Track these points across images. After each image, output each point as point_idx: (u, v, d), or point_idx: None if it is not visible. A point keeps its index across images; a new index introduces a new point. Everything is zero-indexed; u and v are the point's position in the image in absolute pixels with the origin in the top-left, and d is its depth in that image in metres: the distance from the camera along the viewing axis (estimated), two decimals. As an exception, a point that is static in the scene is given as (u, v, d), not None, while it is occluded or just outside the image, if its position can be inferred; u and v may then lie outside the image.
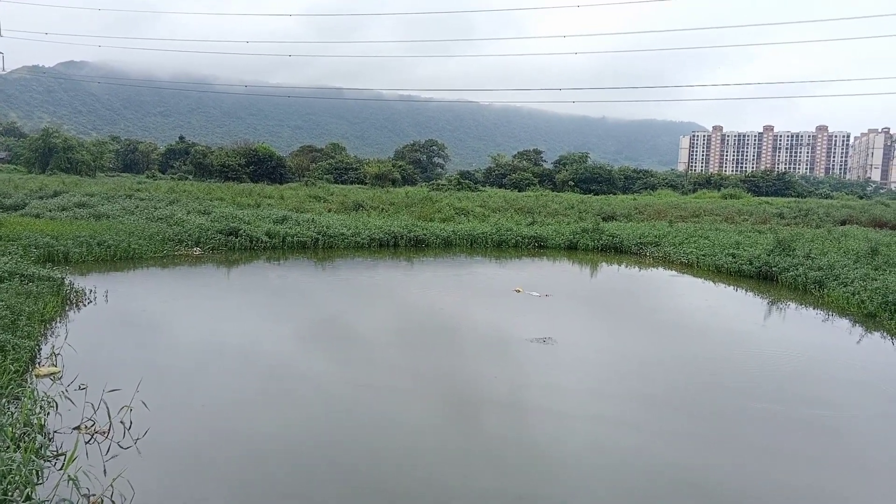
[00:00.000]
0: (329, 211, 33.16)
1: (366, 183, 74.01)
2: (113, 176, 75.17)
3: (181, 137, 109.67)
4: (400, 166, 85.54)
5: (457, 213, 33.42)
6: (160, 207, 28.12)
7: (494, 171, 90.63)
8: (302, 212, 30.73)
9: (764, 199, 64.41)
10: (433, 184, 71.86)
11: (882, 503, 6.16)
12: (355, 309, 14.49)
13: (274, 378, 9.10)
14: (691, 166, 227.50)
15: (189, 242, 21.57)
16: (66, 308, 12.41)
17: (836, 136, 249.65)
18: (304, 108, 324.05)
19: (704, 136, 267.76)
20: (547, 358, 10.42)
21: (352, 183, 75.32)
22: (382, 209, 34.45)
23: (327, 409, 8.10)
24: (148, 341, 10.75)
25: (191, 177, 75.22)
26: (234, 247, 22.11)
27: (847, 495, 6.28)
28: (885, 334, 12.66)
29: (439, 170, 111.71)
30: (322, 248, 23.55)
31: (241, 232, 22.84)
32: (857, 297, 14.79)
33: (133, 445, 6.56)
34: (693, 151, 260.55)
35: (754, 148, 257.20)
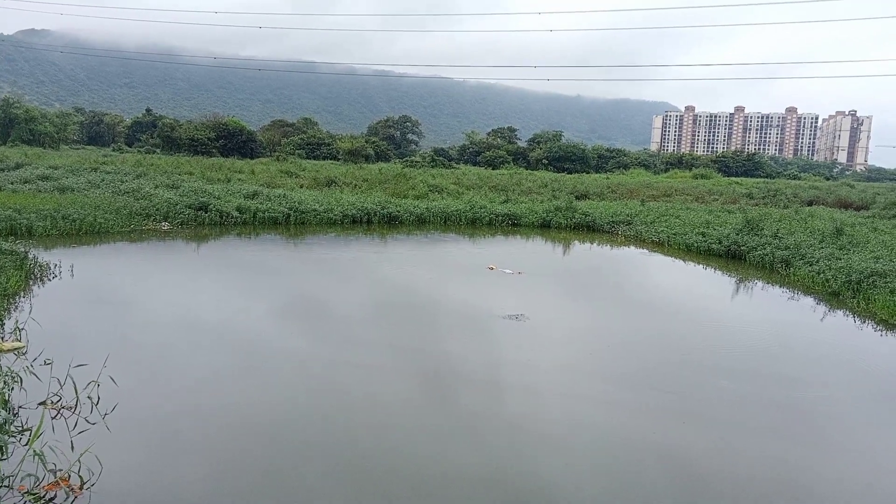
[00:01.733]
0: (301, 187, 32.74)
1: (339, 159, 73.18)
2: (77, 148, 73.19)
3: (148, 110, 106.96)
4: (373, 142, 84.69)
5: (431, 190, 33.29)
6: (127, 181, 27.50)
7: (469, 149, 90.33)
8: (273, 187, 30.31)
9: (734, 179, 65.30)
10: (407, 160, 71.34)
11: (846, 474, 6.36)
12: (329, 285, 14.40)
13: (248, 354, 9.02)
14: (664, 146, 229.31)
15: (157, 217, 21.17)
16: (31, 283, 12.12)
17: (804, 118, 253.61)
18: (276, 81, 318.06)
19: (677, 116, 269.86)
20: (520, 334, 10.49)
21: (324, 158, 74.41)
22: (355, 185, 34.14)
23: (303, 386, 8.06)
24: (116, 317, 10.56)
25: (158, 150, 73.53)
26: (203, 222, 21.76)
27: (813, 468, 6.47)
28: (847, 312, 12.99)
29: (413, 146, 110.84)
30: (294, 224, 23.30)
31: (210, 207, 22.48)
32: (822, 276, 15.14)
33: (101, 421, 6.45)
34: (665, 131, 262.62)
35: (725, 129, 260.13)
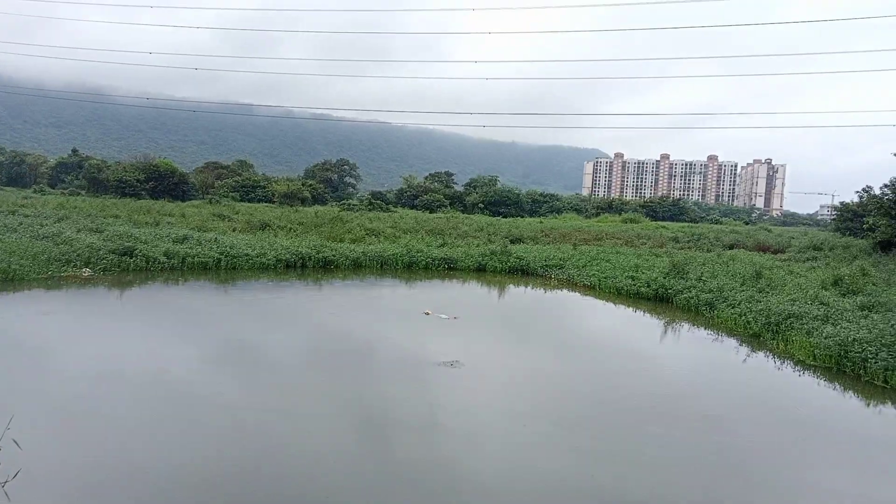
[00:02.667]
0: (234, 230, 32.03)
1: (274, 201, 72.26)
2: (-6, 190, 69.60)
3: (74, 150, 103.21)
4: (310, 185, 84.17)
5: (367, 234, 33.17)
6: (47, 225, 26.24)
7: (406, 192, 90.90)
8: (205, 231, 29.54)
9: (661, 223, 67.98)
10: (344, 203, 71.14)
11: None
12: (260, 332, 13.99)
13: (174, 406, 8.60)
14: (595, 191, 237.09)
15: (78, 263, 20.19)
16: (-69, 335, 11.26)
17: (725, 166, 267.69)
18: (211, 123, 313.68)
19: (607, 162, 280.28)
20: (455, 381, 10.42)
21: (259, 201, 73.30)
22: (290, 229, 33.67)
23: (235, 437, 7.74)
24: (24, 372, 9.90)
25: (84, 192, 70.84)
26: (128, 268, 20.90)
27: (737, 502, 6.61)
28: (767, 353, 13.53)
29: (351, 189, 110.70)
30: (225, 269, 22.67)
31: (136, 252, 21.65)
32: (743, 318, 15.77)
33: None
34: (596, 177, 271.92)
35: (652, 175, 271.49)
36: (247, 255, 23.74)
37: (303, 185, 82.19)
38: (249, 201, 72.62)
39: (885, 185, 30.58)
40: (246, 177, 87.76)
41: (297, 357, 11.98)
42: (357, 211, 58.05)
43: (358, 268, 25.37)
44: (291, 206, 65.16)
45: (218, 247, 24.13)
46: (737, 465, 7.66)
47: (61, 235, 23.29)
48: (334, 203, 76.79)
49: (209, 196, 69.49)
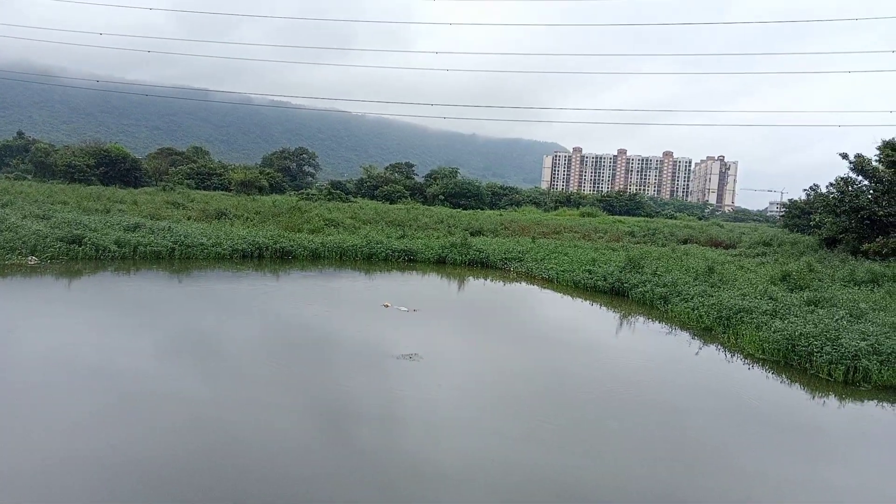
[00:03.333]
0: (188, 219, 31.27)
1: (230, 190, 70.80)
2: (-68, 172, 66.47)
3: (20, 133, 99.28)
4: (268, 174, 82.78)
5: (327, 225, 32.81)
6: (-11, 210, 25.16)
7: (366, 183, 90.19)
8: (158, 219, 28.77)
9: (617, 217, 69.05)
10: (303, 193, 70.15)
11: (726, 493, 6.72)
12: (216, 324, 13.70)
13: (127, 400, 8.36)
14: (553, 184, 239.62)
15: (23, 251, 19.43)
16: None
17: (679, 162, 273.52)
18: (165, 108, 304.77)
19: (566, 156, 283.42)
20: (414, 374, 10.39)
21: (215, 189, 71.74)
22: (247, 218, 33.06)
23: (191, 430, 7.58)
24: (-35, 364, 9.48)
25: (30, 177, 68.18)
26: (77, 256, 20.22)
27: (695, 488, 6.77)
28: (719, 346, 13.90)
29: (310, 178, 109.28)
30: (179, 258, 22.13)
31: (85, 240, 20.95)
32: (696, 312, 16.15)
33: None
34: (555, 171, 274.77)
35: (609, 169, 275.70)
36: (202, 244, 23.21)
37: (260, 173, 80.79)
38: (205, 189, 71.03)
39: (831, 184, 31.65)
40: (201, 164, 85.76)
41: (254, 349, 11.78)
42: (316, 201, 57.34)
43: (316, 259, 25.08)
44: (248, 194, 63.98)
45: (171, 236, 23.53)
46: (690, 454, 7.87)
47: (5, 222, 22.35)
48: (293, 192, 75.64)
49: (163, 183, 67.59)
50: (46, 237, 20.57)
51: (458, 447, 7.67)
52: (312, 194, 66.57)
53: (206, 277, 19.54)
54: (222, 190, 71.18)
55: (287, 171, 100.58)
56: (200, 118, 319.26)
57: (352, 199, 70.46)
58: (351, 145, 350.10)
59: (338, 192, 71.23)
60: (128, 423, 7.61)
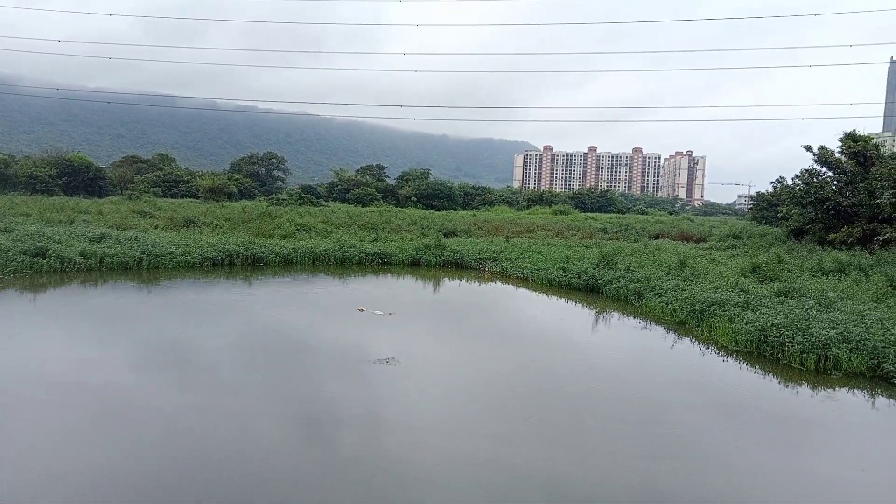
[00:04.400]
0: (156, 227, 30.71)
1: (199, 197, 69.79)
2: None
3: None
4: (236, 179, 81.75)
5: (298, 230, 32.47)
6: (-53, 224, 24.38)
7: (338, 186, 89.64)
8: (124, 229, 28.21)
9: (590, 214, 69.64)
10: (273, 198, 69.44)
11: (710, 484, 6.72)
12: (189, 333, 13.41)
13: (102, 413, 8.15)
14: (525, 183, 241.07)
15: (-16, 265, 18.85)
16: None
17: (649, 158, 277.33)
18: (129, 115, 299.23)
19: (536, 155, 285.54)
20: (391, 378, 10.27)
21: (183, 197, 70.68)
22: (217, 225, 32.60)
23: (170, 439, 7.43)
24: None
25: (-11, 189, 66.36)
26: (41, 269, 19.68)
27: (680, 480, 6.78)
28: (693, 340, 14.02)
29: (279, 183, 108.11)
30: (147, 268, 21.67)
31: (49, 252, 20.41)
32: (669, 306, 16.30)
33: None
34: (527, 169, 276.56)
35: (580, 167, 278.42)
36: (170, 253, 22.77)
37: (229, 179, 79.76)
38: (172, 197, 69.92)
39: (797, 176, 32.27)
40: (168, 171, 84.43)
41: (229, 358, 11.55)
42: (287, 205, 56.78)
43: (289, 264, 24.79)
44: (217, 201, 63.13)
45: (139, 245, 23.05)
46: (671, 447, 7.89)
47: (-36, 236, 21.70)
48: (262, 197, 74.78)
49: (128, 192, 66.27)
50: (9, 251, 19.99)
51: (441, 449, 7.59)
52: (283, 199, 65.98)
53: (177, 287, 19.16)
54: (190, 197, 70.15)
55: (256, 177, 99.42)
56: (166, 125, 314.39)
57: (323, 203, 70.00)
58: (321, 149, 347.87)
59: (309, 196, 70.69)
60: (103, 438, 7.39)
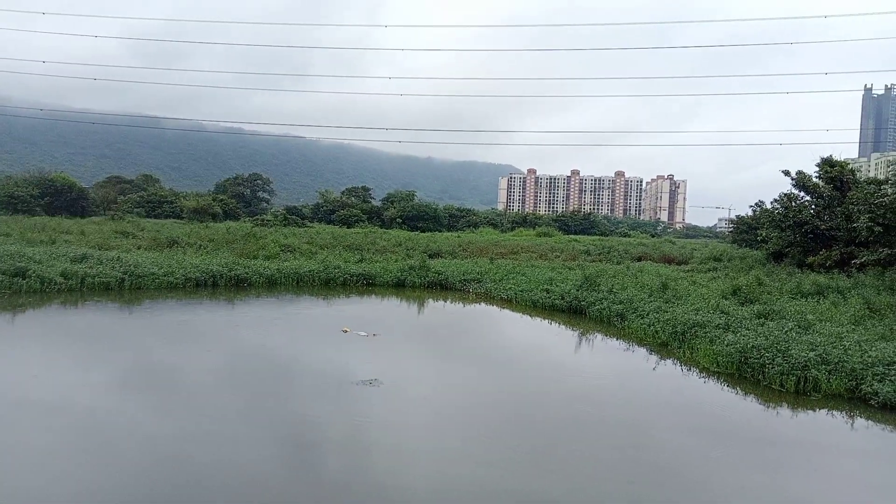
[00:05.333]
0: (139, 248, 30.49)
1: (183, 218, 69.32)
2: None
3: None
4: (221, 200, 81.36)
5: (282, 250, 32.38)
6: (-75, 244, 24.04)
7: (323, 207, 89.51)
8: (106, 249, 27.96)
9: (573, 237, 70.07)
10: (258, 219, 69.17)
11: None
12: (172, 355, 13.29)
13: (83, 437, 8.06)
14: (510, 205, 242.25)
15: (-38, 285, 18.59)
16: None
17: (631, 181, 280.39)
18: (113, 136, 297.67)
19: (521, 178, 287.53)
20: (375, 400, 10.25)
21: (166, 217, 70.16)
22: (200, 246, 32.40)
23: (153, 462, 7.34)
24: None
25: (-31, 209, 65.52)
26: (20, 290, 19.45)
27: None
28: (675, 361, 14.14)
29: (264, 204, 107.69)
30: (129, 289, 21.48)
31: (29, 272, 20.19)
32: (651, 328, 16.42)
33: None
34: (511, 192, 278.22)
35: (564, 190, 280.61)
36: (153, 273, 22.60)
37: (213, 200, 79.37)
38: (156, 217, 69.43)
39: (775, 200, 32.80)
40: (152, 192, 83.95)
41: (212, 379, 11.46)
42: (271, 226, 56.59)
43: (273, 285, 24.68)
44: (202, 221, 62.75)
45: (121, 266, 22.86)
46: (651, 468, 7.93)
47: (-58, 256, 21.41)
48: (247, 218, 74.43)
49: (111, 212, 65.65)
50: (-13, 271, 19.73)
51: (424, 473, 7.57)
52: (268, 220, 65.73)
53: (159, 308, 19.01)
54: (174, 218, 69.68)
55: (241, 198, 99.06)
56: (151, 146, 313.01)
57: (308, 224, 69.79)
58: (306, 171, 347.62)
59: (294, 217, 70.49)
60: (83, 463, 7.30)
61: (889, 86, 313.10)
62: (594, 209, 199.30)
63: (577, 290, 21.65)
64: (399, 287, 26.40)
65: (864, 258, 25.10)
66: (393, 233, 57.84)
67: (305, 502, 6.58)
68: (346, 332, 15.74)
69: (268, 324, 17.50)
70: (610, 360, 14.89)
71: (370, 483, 7.17)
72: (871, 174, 69.83)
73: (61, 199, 69.32)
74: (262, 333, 15.93)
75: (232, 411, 9.52)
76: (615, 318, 18.57)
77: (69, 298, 19.37)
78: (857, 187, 28.88)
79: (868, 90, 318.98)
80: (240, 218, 76.54)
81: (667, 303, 18.78)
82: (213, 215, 71.13)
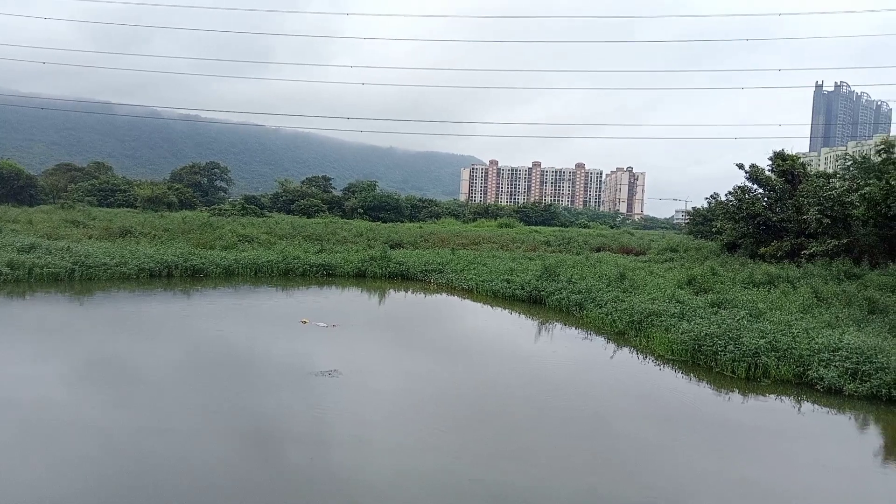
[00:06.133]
0: (90, 238, 29.59)
1: (137, 207, 67.57)
2: None
3: None
4: (177, 189, 79.51)
5: (240, 240, 31.83)
6: None
7: (282, 197, 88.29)
8: (56, 239, 27.08)
9: (534, 227, 70.73)
10: (215, 208, 67.89)
11: (655, 490, 6.91)
12: (125, 347, 12.93)
13: (36, 432, 7.77)
14: (471, 197, 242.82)
15: None
16: None
17: (591, 173, 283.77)
18: (64, 122, 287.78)
19: (482, 169, 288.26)
20: (334, 391, 10.16)
21: (119, 206, 68.30)
22: (155, 236, 31.64)
23: (108, 458, 7.17)
24: None
25: None
26: (-38, 280, 18.66)
27: (623, 487, 6.93)
28: (632, 349, 14.39)
29: (222, 194, 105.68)
30: (80, 280, 20.83)
31: (-27, 263, 19.39)
32: (609, 317, 16.68)
33: None
34: (473, 183, 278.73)
35: (525, 181, 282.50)
36: (104, 264, 21.95)
37: (169, 188, 77.54)
38: (108, 206, 67.56)
39: (729, 193, 33.59)
40: (104, 180, 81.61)
41: (167, 372, 11.19)
42: (229, 216, 55.60)
43: (230, 276, 24.24)
44: (156, 211, 61.26)
45: (71, 256, 22.16)
46: (610, 455, 8.08)
47: None
48: (204, 208, 73.00)
49: (61, 201, 63.62)
50: (-74, 261, 18.89)
51: (385, 464, 7.53)
52: (225, 210, 64.61)
53: (111, 299, 18.49)
54: (127, 207, 67.90)
55: (198, 187, 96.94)
56: (103, 133, 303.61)
57: (267, 213, 68.82)
58: (265, 159, 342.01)
59: (252, 206, 69.40)
60: (32, 456, 7.05)
61: (839, 83, 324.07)
62: (555, 200, 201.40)
63: (537, 281, 21.84)
64: (360, 278, 26.23)
65: (813, 249, 25.94)
66: (354, 223, 57.45)
67: (264, 496, 6.48)
68: (305, 323, 15.57)
69: (224, 315, 17.19)
70: (569, 348, 15.07)
71: (330, 476, 7.11)
72: (821, 168, 72.18)
73: (8, 187, 66.91)
74: (219, 325, 15.64)
75: (188, 404, 9.33)
76: (574, 308, 18.80)
77: (16, 289, 18.69)
78: (807, 181, 29.79)
79: (819, 87, 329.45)
80: (196, 207, 74.99)
81: (624, 292, 19.09)
82: (168, 204, 69.52)
